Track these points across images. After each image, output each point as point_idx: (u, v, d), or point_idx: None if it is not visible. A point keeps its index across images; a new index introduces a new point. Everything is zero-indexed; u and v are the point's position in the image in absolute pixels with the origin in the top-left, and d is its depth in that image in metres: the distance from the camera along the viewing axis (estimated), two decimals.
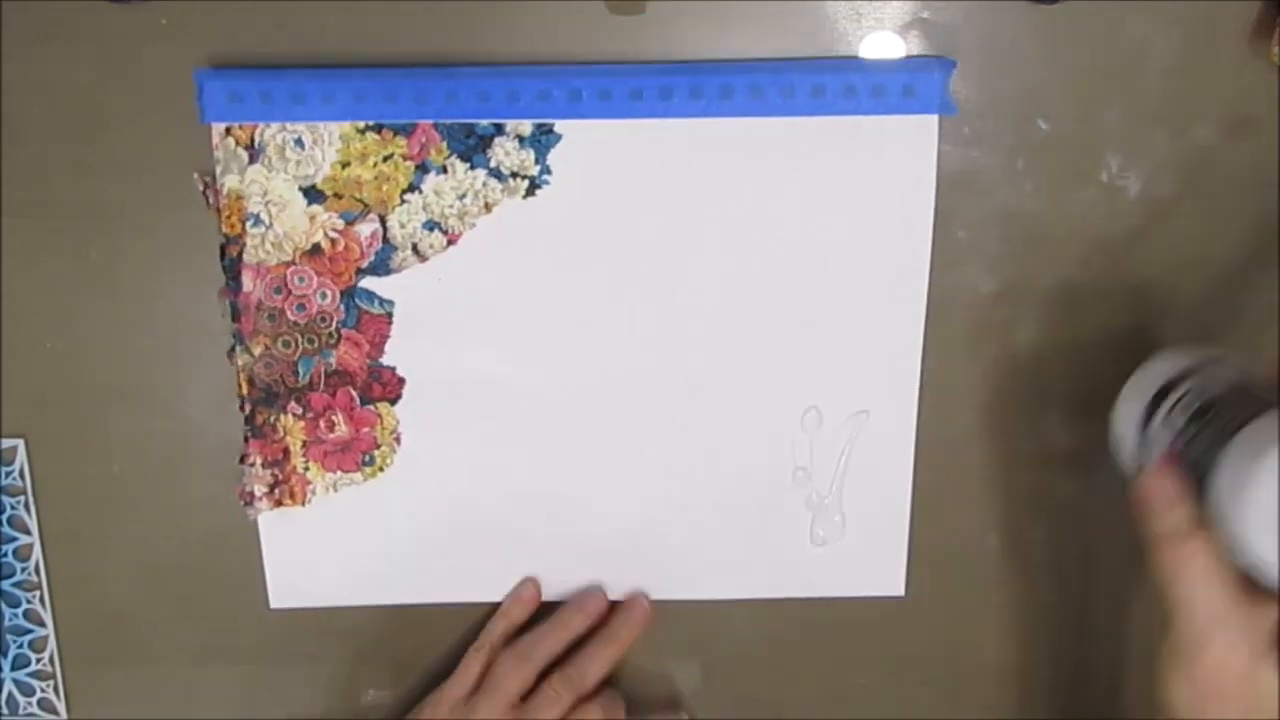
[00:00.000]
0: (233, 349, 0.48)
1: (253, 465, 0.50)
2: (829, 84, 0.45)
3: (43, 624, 0.52)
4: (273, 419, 0.49)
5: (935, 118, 0.46)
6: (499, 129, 0.46)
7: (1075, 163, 0.47)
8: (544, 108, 0.45)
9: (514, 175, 0.47)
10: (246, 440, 0.49)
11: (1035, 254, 0.49)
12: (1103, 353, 0.50)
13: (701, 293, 0.48)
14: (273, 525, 0.51)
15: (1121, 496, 0.52)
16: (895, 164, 0.47)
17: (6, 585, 0.52)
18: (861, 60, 0.46)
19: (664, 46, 0.46)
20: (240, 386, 0.49)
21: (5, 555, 0.51)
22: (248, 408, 0.49)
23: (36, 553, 0.52)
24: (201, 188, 0.47)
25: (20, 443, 0.50)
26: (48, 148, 0.47)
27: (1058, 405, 0.50)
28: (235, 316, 0.48)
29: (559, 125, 0.46)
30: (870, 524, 0.51)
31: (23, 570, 0.52)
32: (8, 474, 0.50)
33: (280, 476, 0.50)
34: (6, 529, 0.51)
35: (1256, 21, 0.46)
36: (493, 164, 0.46)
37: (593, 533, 0.51)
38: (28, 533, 0.51)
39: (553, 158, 0.46)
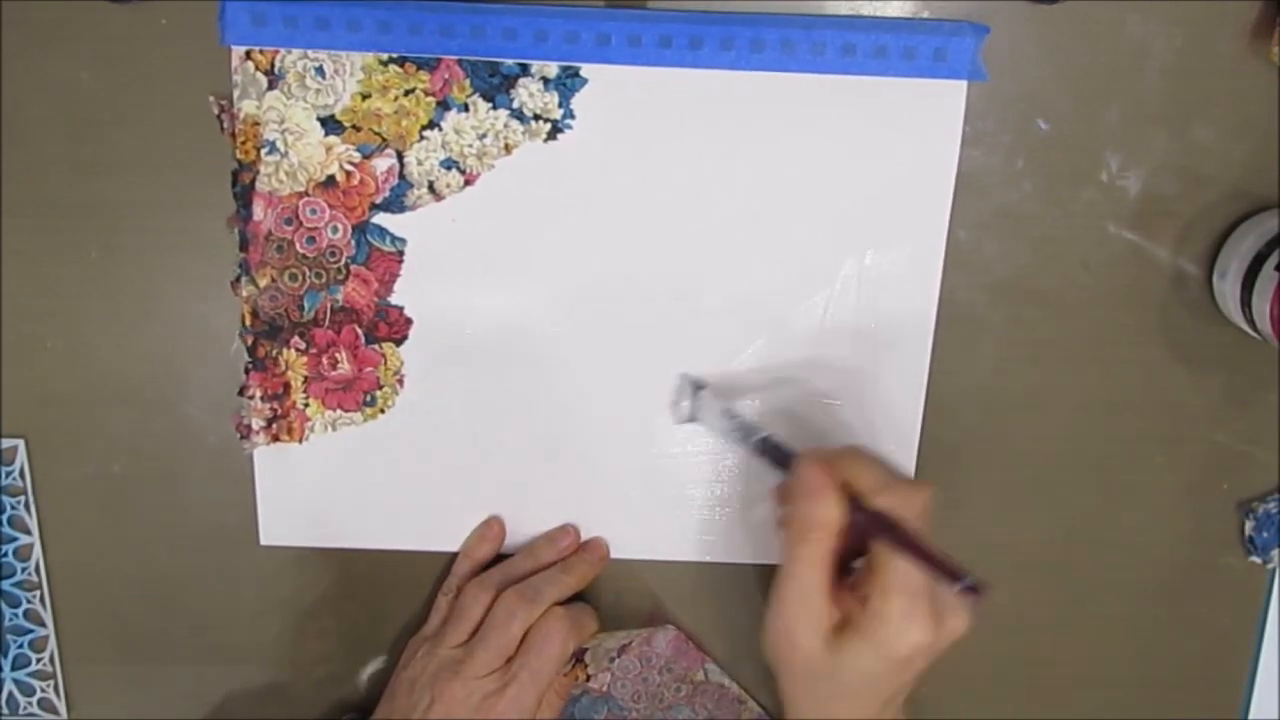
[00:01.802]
0: (238, 278, 0.48)
1: (252, 398, 0.49)
2: (860, 43, 0.45)
3: (43, 624, 0.52)
4: (275, 352, 0.49)
5: (964, 84, 0.46)
6: (524, 69, 0.46)
7: (1075, 163, 0.47)
8: (571, 50, 0.45)
9: (536, 117, 0.46)
10: (247, 372, 0.49)
11: (1035, 254, 0.49)
12: (1102, 352, 0.50)
13: (719, 248, 0.48)
14: (268, 461, 0.50)
15: (1114, 489, 0.52)
16: (921, 128, 0.46)
17: (6, 585, 0.52)
18: (895, 20, 0.46)
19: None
20: (243, 317, 0.48)
21: (5, 555, 0.51)
22: (250, 339, 0.49)
23: (36, 553, 0.52)
24: (217, 111, 0.46)
25: (20, 443, 0.50)
26: (48, 148, 0.47)
27: (1057, 403, 0.50)
28: (243, 245, 0.47)
29: (585, 69, 0.46)
30: None
31: (23, 570, 0.52)
32: (8, 474, 0.50)
33: (279, 411, 0.49)
34: (6, 529, 0.51)
35: (1256, 21, 0.46)
36: (515, 105, 0.46)
37: (597, 491, 0.51)
38: (28, 533, 0.51)
39: (577, 102, 0.46)
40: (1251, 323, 0.46)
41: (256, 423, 0.49)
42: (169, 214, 0.48)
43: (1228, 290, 0.47)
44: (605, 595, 0.52)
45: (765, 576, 0.52)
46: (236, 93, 0.46)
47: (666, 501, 0.51)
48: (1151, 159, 0.47)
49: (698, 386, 0.49)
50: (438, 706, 0.47)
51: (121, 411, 0.50)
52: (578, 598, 0.51)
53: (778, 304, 0.49)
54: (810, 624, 0.41)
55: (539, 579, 0.49)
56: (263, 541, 0.51)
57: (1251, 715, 0.54)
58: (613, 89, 0.46)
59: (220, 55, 0.46)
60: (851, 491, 0.41)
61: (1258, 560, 0.52)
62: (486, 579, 0.49)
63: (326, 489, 0.51)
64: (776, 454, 0.45)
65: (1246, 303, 0.46)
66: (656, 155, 0.47)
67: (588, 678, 0.51)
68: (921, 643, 0.40)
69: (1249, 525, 0.51)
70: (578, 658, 0.51)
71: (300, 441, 0.50)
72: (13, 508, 0.51)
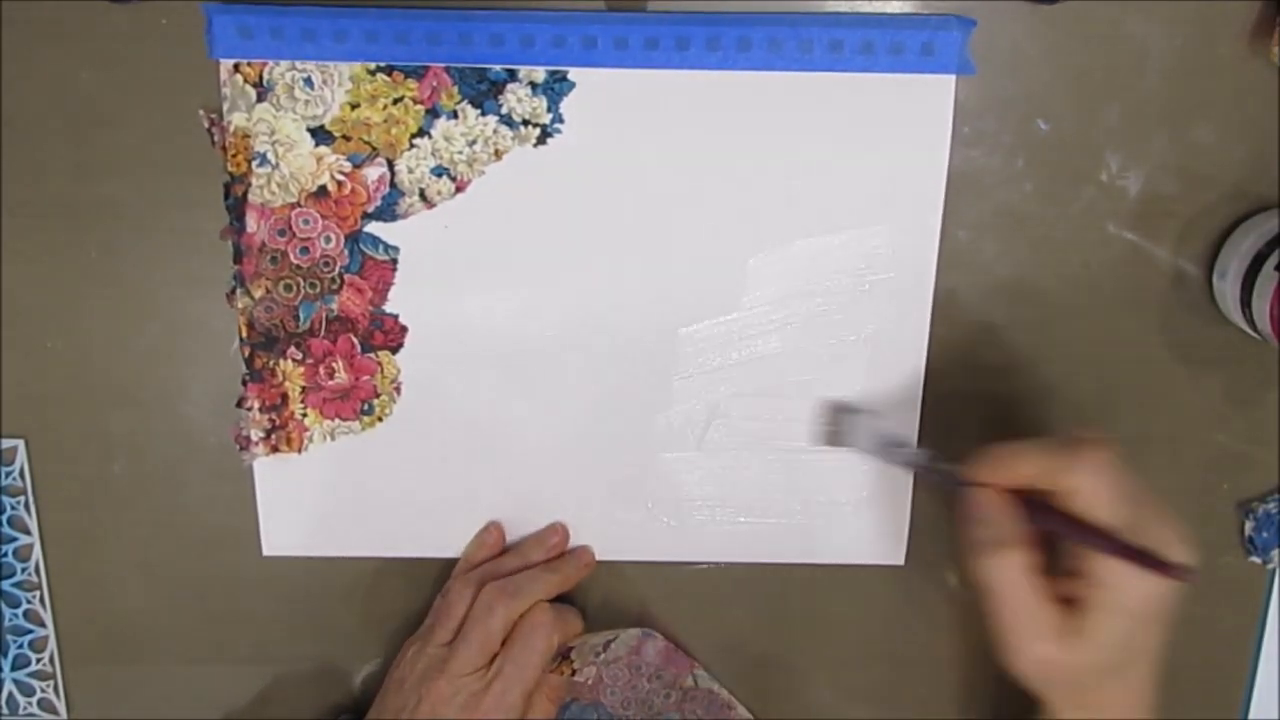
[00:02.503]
0: (233, 290, 0.48)
1: (250, 409, 0.49)
2: (847, 39, 0.45)
3: (43, 624, 0.52)
4: (272, 363, 0.49)
5: (953, 78, 0.46)
6: (512, 75, 0.46)
7: (1075, 163, 0.47)
8: (559, 54, 0.45)
9: (525, 123, 0.46)
10: (245, 384, 0.49)
11: (1035, 254, 0.49)
12: (1103, 351, 0.50)
13: (711, 248, 0.48)
14: (268, 472, 0.50)
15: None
16: (910, 124, 0.46)
17: (6, 585, 0.52)
18: (881, 16, 0.46)
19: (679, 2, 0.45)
20: (240, 329, 0.48)
21: (5, 555, 0.51)
22: (246, 351, 0.49)
23: (36, 553, 0.52)
24: (207, 125, 0.46)
25: (20, 443, 0.50)
26: (48, 148, 0.47)
27: (1057, 404, 0.50)
28: (237, 258, 0.48)
29: (573, 73, 0.46)
30: (877, 500, 0.51)
31: (23, 570, 0.52)
32: (8, 474, 0.50)
33: (278, 422, 0.49)
34: (6, 529, 0.51)
35: (1256, 21, 0.46)
36: (504, 110, 0.46)
37: (598, 492, 0.51)
38: (28, 533, 0.51)
39: (565, 106, 0.46)
40: (1251, 323, 0.46)
41: (255, 434, 0.49)
42: (168, 214, 0.48)
43: (1228, 290, 0.47)
44: (593, 597, 0.52)
45: (752, 576, 0.52)
46: (226, 105, 0.46)
47: (663, 504, 0.51)
48: (1151, 159, 0.47)
49: (848, 410, 0.49)
50: (424, 706, 0.46)
51: (121, 411, 0.50)
52: (567, 603, 0.51)
53: (771, 304, 0.49)
54: (1042, 634, 0.40)
55: (522, 576, 0.49)
56: (265, 553, 0.51)
57: (1251, 715, 0.54)
58: (601, 92, 0.46)
59: None
60: (1030, 491, 0.41)
61: (1258, 560, 0.52)
62: (471, 576, 0.49)
63: (326, 498, 0.51)
64: (943, 473, 0.45)
65: (1246, 303, 0.46)
66: (646, 157, 0.47)
67: (573, 672, 0.51)
68: (1152, 591, 0.39)
69: (1249, 525, 0.51)
70: (563, 655, 0.51)
71: (299, 452, 0.50)
72: (13, 508, 0.51)
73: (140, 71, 0.46)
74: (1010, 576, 0.40)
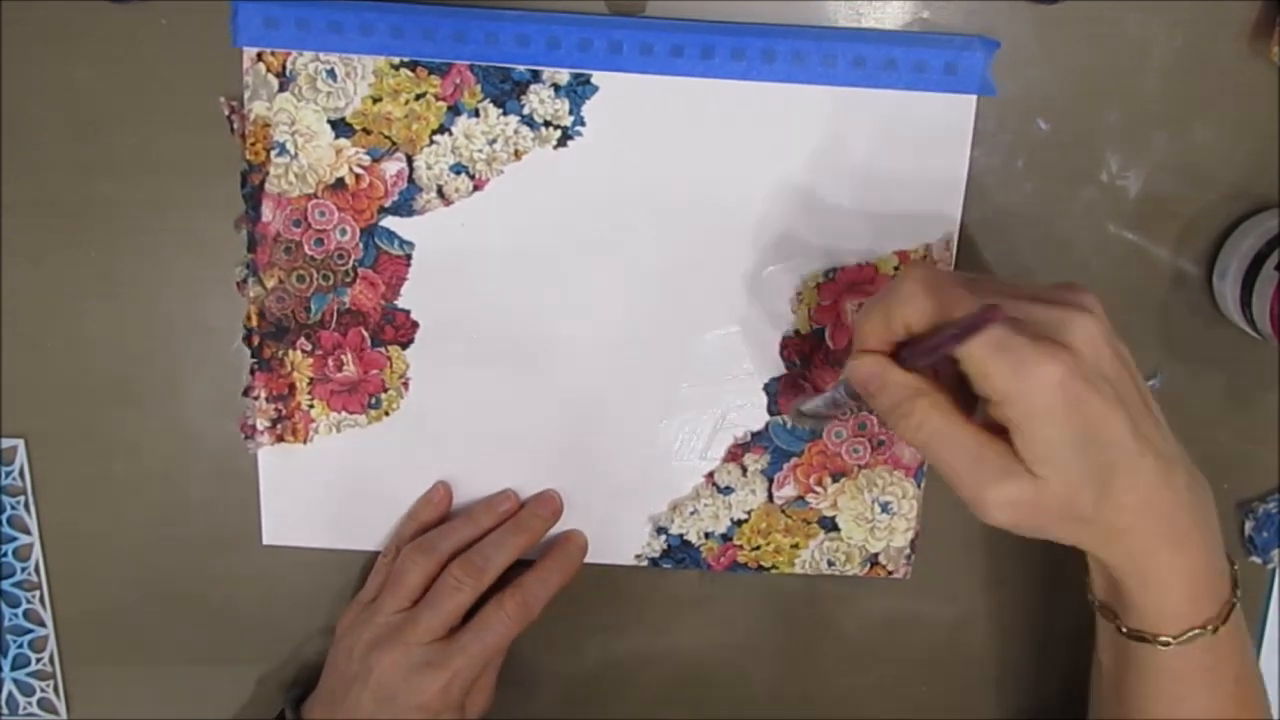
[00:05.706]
0: (245, 279, 0.48)
1: (257, 398, 0.49)
2: (870, 55, 0.45)
3: (43, 624, 0.52)
4: (281, 354, 0.49)
5: (974, 98, 0.46)
6: (535, 76, 0.46)
7: (1075, 163, 0.47)
8: (584, 57, 0.45)
9: (547, 124, 0.46)
10: (252, 373, 0.49)
11: (1035, 254, 0.49)
12: None
13: (726, 257, 0.48)
14: (272, 461, 0.50)
15: None
16: (930, 141, 0.46)
17: (6, 585, 0.52)
18: (906, 34, 0.46)
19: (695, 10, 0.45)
20: (250, 318, 0.48)
21: (5, 555, 0.51)
22: (256, 340, 0.49)
23: (36, 553, 0.52)
24: (227, 112, 0.46)
25: (20, 443, 0.50)
26: (48, 148, 0.47)
27: None
28: (251, 246, 0.48)
29: (596, 77, 0.46)
30: (878, 509, 0.51)
31: (23, 570, 0.52)
32: (8, 474, 0.50)
33: (284, 412, 0.49)
34: (6, 529, 0.51)
35: (1256, 21, 0.46)
36: (526, 111, 0.46)
37: (600, 494, 0.51)
38: (28, 533, 0.51)
39: (587, 109, 0.46)
40: (1251, 323, 0.46)
41: (261, 423, 0.49)
42: (169, 214, 0.48)
43: (1228, 290, 0.47)
44: (592, 600, 0.52)
45: (752, 581, 0.52)
46: (247, 94, 0.46)
47: (665, 509, 0.51)
48: (1151, 159, 0.47)
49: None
50: (376, 674, 0.46)
51: (121, 411, 0.50)
52: (578, 598, 0.51)
53: (785, 314, 0.49)
54: (998, 473, 0.36)
55: (489, 545, 0.48)
56: (265, 541, 0.51)
57: None
58: (623, 97, 0.46)
59: (221, 55, 0.46)
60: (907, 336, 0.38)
61: (1258, 560, 0.52)
62: (425, 544, 0.48)
63: (330, 490, 0.51)
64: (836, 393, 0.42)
65: (1246, 303, 0.46)
66: (666, 163, 0.47)
67: None
68: (1055, 372, 0.35)
69: (1249, 525, 0.51)
70: None
71: (305, 442, 0.50)
72: (13, 508, 0.51)
73: (140, 71, 0.46)
74: (937, 425, 0.37)
